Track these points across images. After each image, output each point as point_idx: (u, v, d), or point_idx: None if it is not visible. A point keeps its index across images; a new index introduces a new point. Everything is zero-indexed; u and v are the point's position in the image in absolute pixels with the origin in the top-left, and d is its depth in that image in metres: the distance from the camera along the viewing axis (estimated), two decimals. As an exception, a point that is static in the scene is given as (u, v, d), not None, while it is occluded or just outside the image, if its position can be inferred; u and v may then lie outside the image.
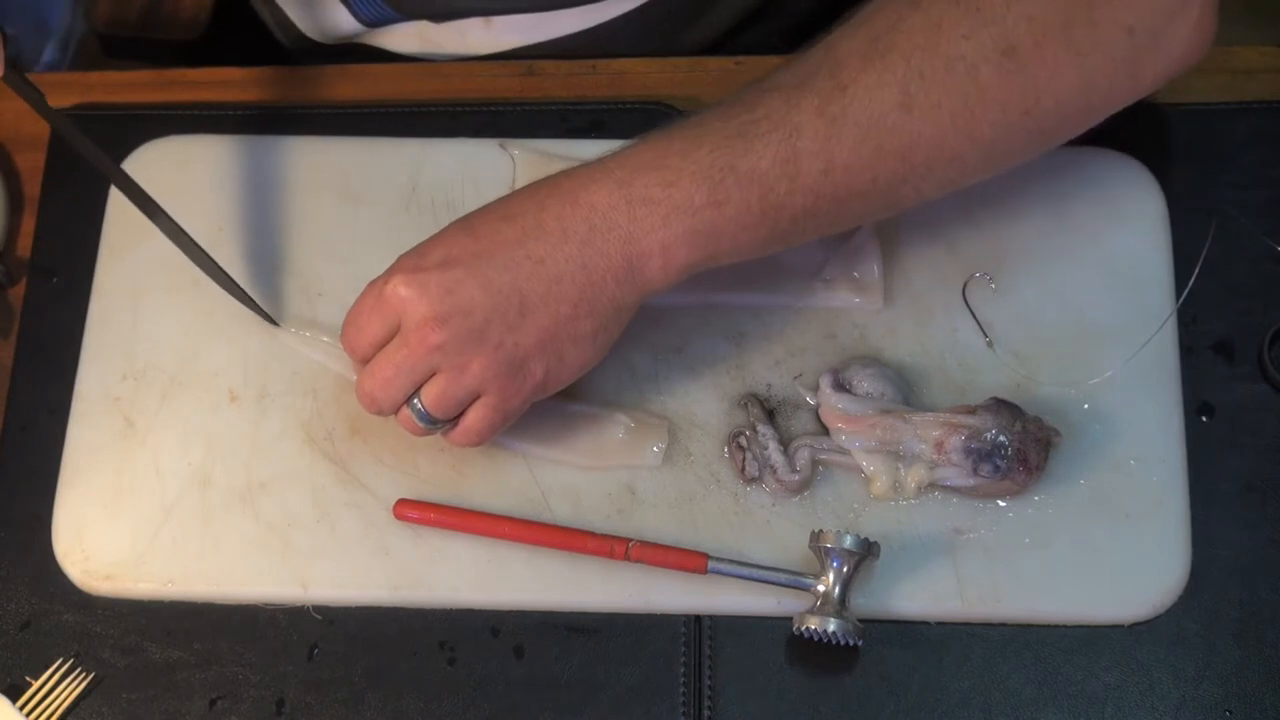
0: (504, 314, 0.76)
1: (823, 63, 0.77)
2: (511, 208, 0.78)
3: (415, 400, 0.79)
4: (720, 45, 1.01)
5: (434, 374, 0.78)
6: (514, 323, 0.76)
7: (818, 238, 0.81)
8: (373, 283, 0.79)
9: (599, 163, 0.78)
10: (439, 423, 0.80)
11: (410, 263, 0.78)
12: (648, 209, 0.76)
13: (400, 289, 0.77)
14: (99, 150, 0.85)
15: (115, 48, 1.13)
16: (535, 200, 0.78)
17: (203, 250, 0.86)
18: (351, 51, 1.03)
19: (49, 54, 1.35)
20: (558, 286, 0.76)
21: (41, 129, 0.95)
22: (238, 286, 0.87)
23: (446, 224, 0.79)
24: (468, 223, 0.79)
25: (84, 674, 0.83)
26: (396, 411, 0.80)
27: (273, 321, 0.88)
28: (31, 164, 0.96)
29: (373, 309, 0.78)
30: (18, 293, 0.92)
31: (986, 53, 0.75)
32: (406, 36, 1.01)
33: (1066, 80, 0.77)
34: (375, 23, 1.00)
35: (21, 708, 0.82)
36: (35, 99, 0.83)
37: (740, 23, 1.01)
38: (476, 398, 0.79)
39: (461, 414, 0.79)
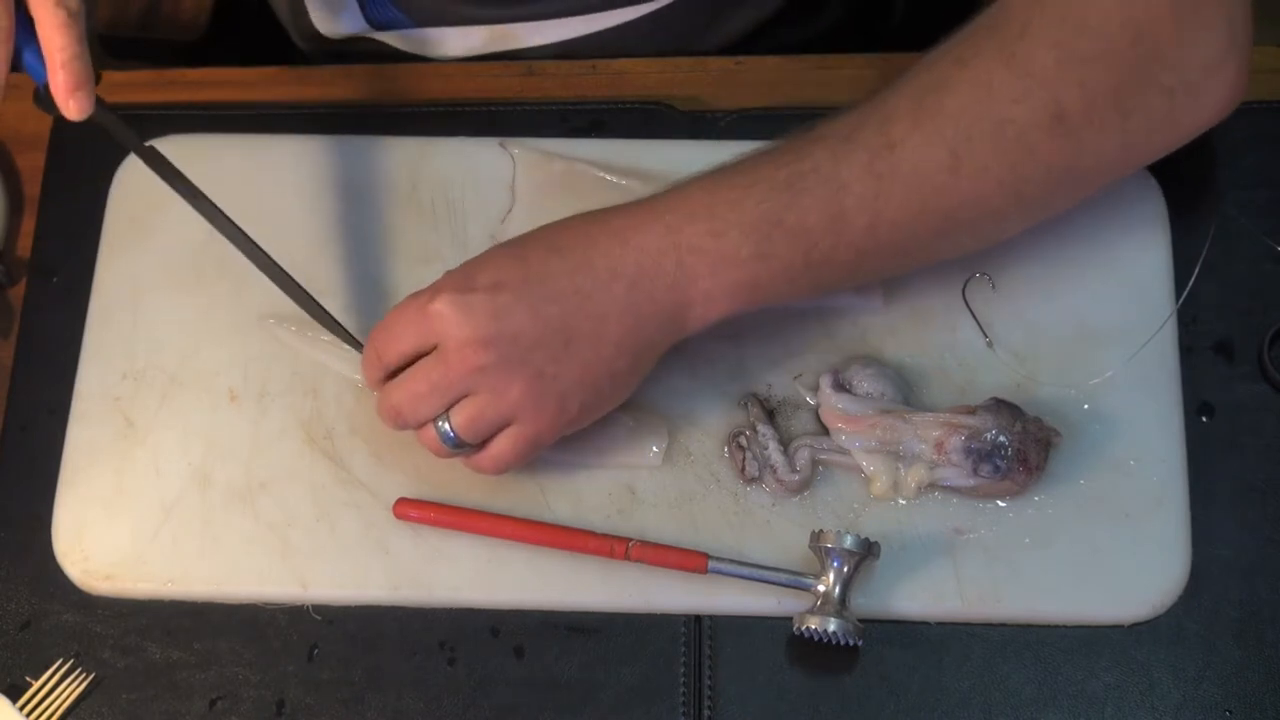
0: (549, 345, 0.76)
1: (871, 116, 0.77)
2: (562, 239, 0.78)
3: (443, 421, 0.78)
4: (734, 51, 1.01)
5: (467, 396, 0.77)
6: (558, 354, 0.76)
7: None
8: (414, 296, 0.78)
9: (649, 203, 0.78)
10: (464, 446, 0.79)
11: (458, 282, 0.77)
12: (695, 258, 0.76)
13: (446, 307, 0.76)
14: (196, 190, 0.83)
15: (115, 48, 1.13)
16: (586, 236, 0.78)
17: (297, 284, 0.84)
18: (364, 49, 1.03)
19: (49, 54, 1.34)
20: (603, 325, 0.77)
21: (42, 129, 0.95)
22: (328, 314, 0.84)
23: (445, 221, 0.79)
24: (518, 249, 0.78)
25: (84, 674, 0.83)
26: (419, 427, 0.79)
27: (357, 346, 0.84)
28: (31, 164, 0.96)
29: (411, 322, 0.77)
30: (18, 293, 0.92)
31: (1037, 118, 0.75)
32: (413, 38, 1.01)
33: (1110, 141, 0.77)
34: (384, 27, 1.01)
35: (21, 708, 0.82)
36: (130, 138, 0.82)
37: (756, 30, 1.01)
38: (507, 425, 0.78)
39: (487, 440, 0.79)
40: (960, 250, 0.82)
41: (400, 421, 0.79)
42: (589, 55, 0.98)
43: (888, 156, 0.76)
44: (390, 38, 1.01)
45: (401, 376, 0.78)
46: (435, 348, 0.77)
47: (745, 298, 0.78)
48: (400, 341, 0.78)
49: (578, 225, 0.79)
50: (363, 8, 1.00)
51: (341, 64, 1.00)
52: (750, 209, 0.76)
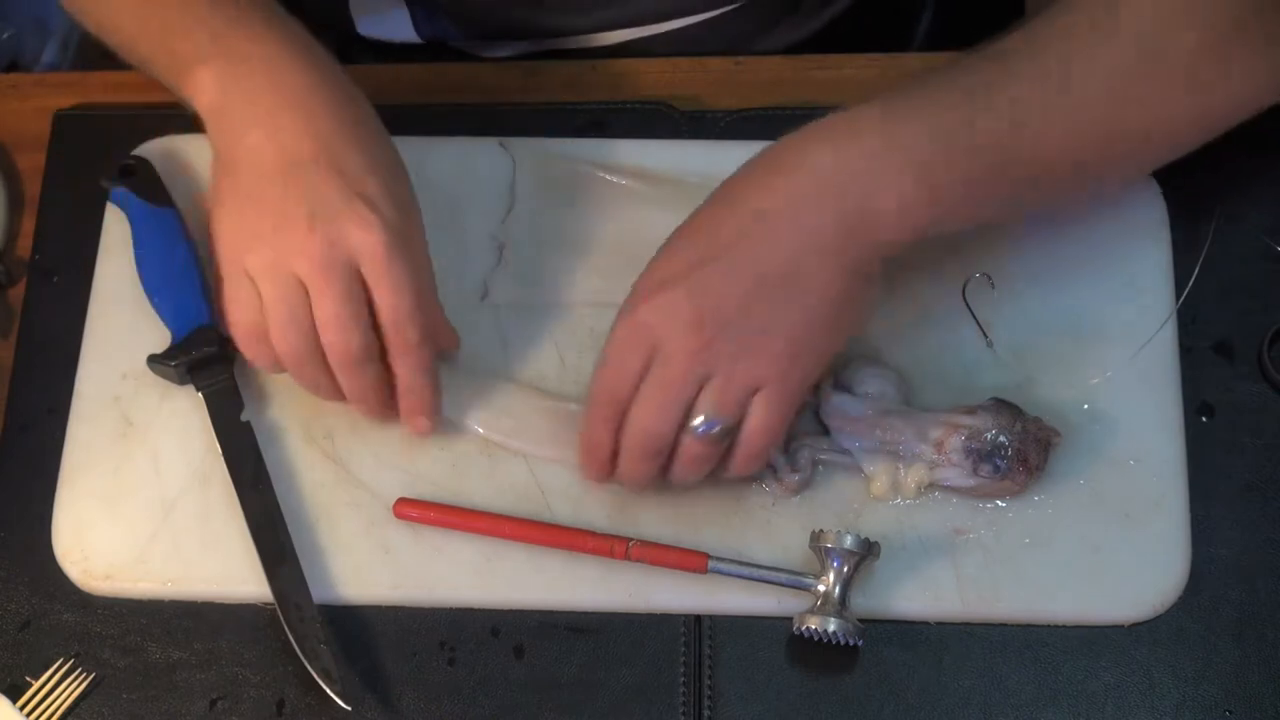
0: (757, 299, 0.75)
1: (1050, 26, 0.78)
2: (731, 192, 0.77)
3: (696, 419, 0.76)
4: None
5: (706, 384, 0.76)
6: (769, 304, 0.75)
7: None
8: (620, 321, 0.77)
9: (810, 131, 0.76)
10: (726, 429, 0.77)
11: (648, 286, 0.76)
12: (877, 164, 0.75)
13: (648, 314, 0.75)
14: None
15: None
16: (750, 181, 0.76)
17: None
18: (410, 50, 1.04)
19: (49, 54, 1.35)
20: (800, 260, 0.75)
21: (42, 129, 0.95)
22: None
23: (445, 221, 0.79)
24: (687, 227, 0.77)
25: (84, 674, 0.83)
26: (676, 441, 0.77)
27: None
28: (31, 164, 0.96)
29: (626, 342, 0.76)
30: (18, 293, 0.92)
31: (1188, 46, 0.77)
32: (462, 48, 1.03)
33: (1261, 65, 0.79)
34: (433, 38, 1.01)
35: (21, 708, 0.82)
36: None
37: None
38: (756, 391, 0.77)
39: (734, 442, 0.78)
40: (1139, 169, 0.84)
41: (656, 442, 0.77)
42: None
43: (1067, 71, 0.77)
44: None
45: (635, 402, 0.77)
46: (656, 359, 0.76)
47: (928, 208, 0.75)
48: (628, 366, 0.76)
49: (743, 174, 0.77)
50: (414, 20, 1.00)
51: (368, 56, 1.01)
52: (926, 120, 0.75)
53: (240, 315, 0.80)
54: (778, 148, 0.77)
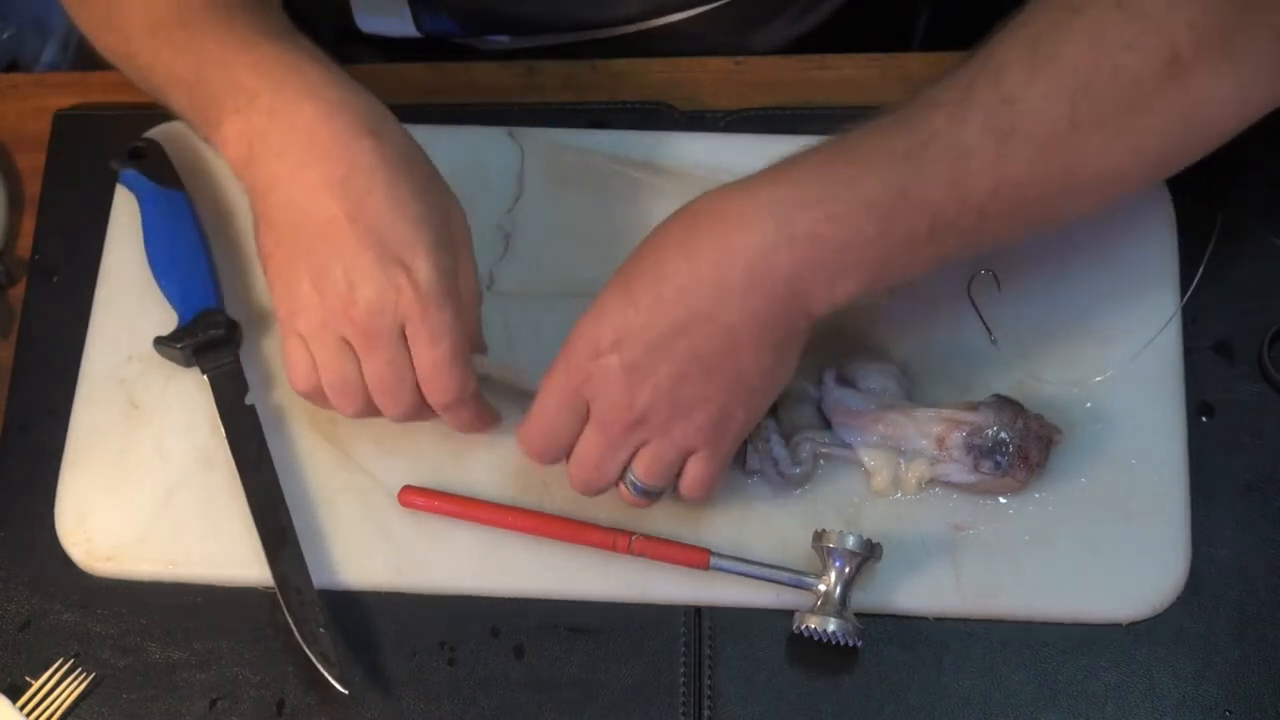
0: (690, 377, 0.75)
1: (983, 73, 0.74)
2: (665, 262, 0.75)
3: (630, 475, 0.78)
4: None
5: (641, 447, 0.77)
6: (702, 381, 0.75)
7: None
8: (551, 381, 0.77)
9: (751, 193, 0.74)
10: (660, 490, 0.79)
11: (584, 349, 0.76)
12: (813, 246, 0.73)
13: (585, 382, 0.76)
14: None
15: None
16: (688, 249, 0.75)
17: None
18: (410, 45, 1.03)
19: (49, 54, 1.35)
20: (733, 336, 0.75)
21: (42, 129, 0.95)
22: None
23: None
24: (625, 290, 0.76)
25: (84, 674, 0.83)
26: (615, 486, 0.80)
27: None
28: (31, 164, 0.96)
29: (560, 406, 0.77)
30: (18, 293, 0.92)
31: (1151, 64, 0.73)
32: (462, 44, 1.03)
33: (1224, 87, 0.75)
34: (433, 34, 1.01)
35: (21, 708, 0.82)
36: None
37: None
38: (688, 456, 0.78)
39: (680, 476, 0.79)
40: (1081, 212, 0.79)
41: (593, 489, 0.79)
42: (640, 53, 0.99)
43: (1006, 113, 0.73)
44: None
45: (575, 454, 0.78)
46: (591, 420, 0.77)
47: (870, 275, 0.75)
48: (563, 432, 0.78)
49: (678, 237, 0.75)
50: (415, 16, 1.00)
51: (367, 51, 1.01)
52: (870, 186, 0.73)
53: (297, 376, 0.80)
54: (722, 205, 0.75)
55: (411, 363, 0.77)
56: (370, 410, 0.79)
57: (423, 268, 0.76)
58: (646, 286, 0.75)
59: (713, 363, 0.75)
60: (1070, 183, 0.76)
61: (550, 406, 0.77)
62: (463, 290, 0.78)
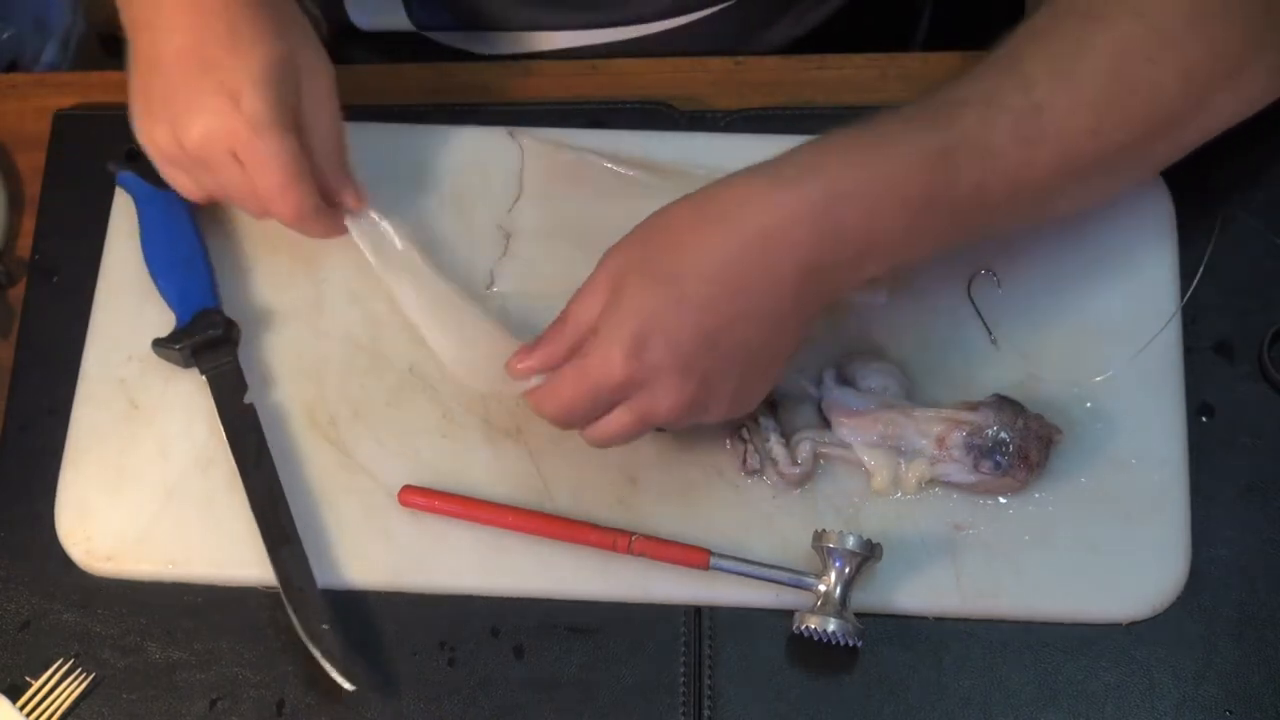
0: (731, 368, 0.76)
1: (1008, 78, 0.76)
2: (707, 257, 0.74)
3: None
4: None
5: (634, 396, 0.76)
6: (741, 369, 0.77)
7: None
8: (579, 372, 0.76)
9: (790, 185, 0.74)
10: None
11: (620, 346, 0.74)
12: (844, 242, 0.74)
13: (627, 381, 0.75)
14: None
15: (115, 48, 1.13)
16: (740, 243, 0.74)
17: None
18: (404, 40, 1.04)
19: (49, 54, 1.35)
20: (777, 336, 0.76)
21: (42, 129, 0.95)
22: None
23: (451, 210, 0.77)
24: (678, 292, 0.74)
25: (84, 674, 0.83)
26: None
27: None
28: (31, 164, 0.96)
29: (588, 397, 0.76)
30: (18, 293, 0.92)
31: (1169, 76, 0.76)
32: (458, 38, 1.02)
33: (1238, 101, 0.79)
34: (428, 27, 1.01)
35: (21, 708, 0.82)
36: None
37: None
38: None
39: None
40: (1078, 206, 0.83)
41: (568, 420, 0.79)
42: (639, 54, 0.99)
43: (1034, 121, 0.75)
44: (436, 35, 1.02)
45: (595, 428, 0.78)
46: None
47: (896, 258, 0.77)
48: (583, 413, 0.77)
49: (729, 234, 0.74)
50: (408, 8, 1.00)
51: (364, 51, 1.01)
52: (903, 182, 0.74)
53: (183, 191, 0.85)
54: (759, 196, 0.74)
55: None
56: (262, 212, 0.83)
57: (250, 98, 0.79)
58: (703, 285, 0.74)
59: (753, 349, 0.76)
60: (1081, 185, 0.78)
61: (583, 399, 0.76)
62: (316, 124, 0.82)
